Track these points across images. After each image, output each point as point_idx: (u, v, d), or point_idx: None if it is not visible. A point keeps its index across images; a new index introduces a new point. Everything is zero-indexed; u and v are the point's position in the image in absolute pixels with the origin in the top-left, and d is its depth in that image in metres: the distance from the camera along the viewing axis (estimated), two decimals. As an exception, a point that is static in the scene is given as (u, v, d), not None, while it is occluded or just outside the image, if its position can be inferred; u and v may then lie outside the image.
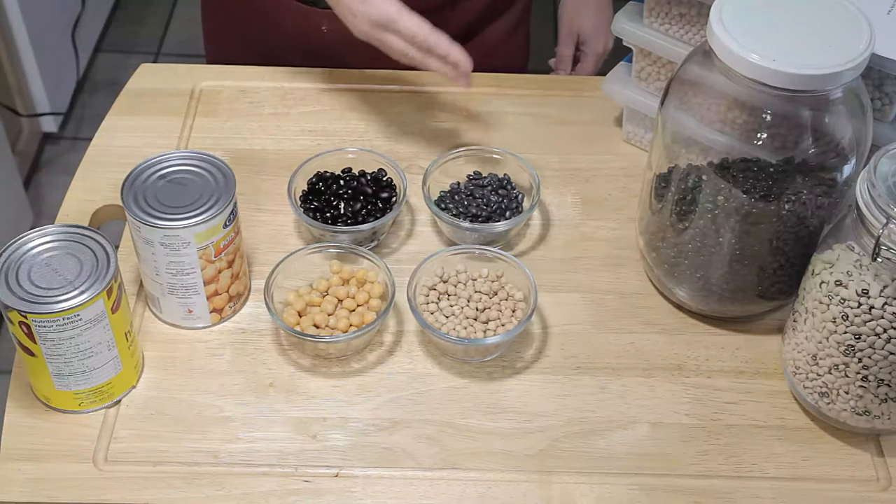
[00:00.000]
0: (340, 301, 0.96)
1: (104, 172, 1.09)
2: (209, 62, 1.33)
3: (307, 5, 1.20)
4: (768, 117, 0.86)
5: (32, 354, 0.85)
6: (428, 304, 0.95)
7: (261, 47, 1.27)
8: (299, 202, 1.03)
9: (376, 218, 1.01)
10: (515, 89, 1.20)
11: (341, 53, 1.21)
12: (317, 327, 0.94)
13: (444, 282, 0.96)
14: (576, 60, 1.38)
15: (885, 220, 0.77)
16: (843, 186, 0.88)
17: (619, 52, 1.13)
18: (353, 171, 1.05)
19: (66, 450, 0.87)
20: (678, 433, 0.90)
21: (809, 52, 0.82)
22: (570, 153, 1.13)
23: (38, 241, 0.86)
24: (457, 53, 1.01)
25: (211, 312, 0.95)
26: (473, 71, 1.05)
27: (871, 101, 0.91)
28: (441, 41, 1.00)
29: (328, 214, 1.01)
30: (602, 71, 1.13)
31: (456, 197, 1.04)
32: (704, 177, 0.88)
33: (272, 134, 1.14)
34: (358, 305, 0.95)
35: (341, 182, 1.04)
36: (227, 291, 0.95)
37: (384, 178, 1.04)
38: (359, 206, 1.01)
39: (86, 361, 0.86)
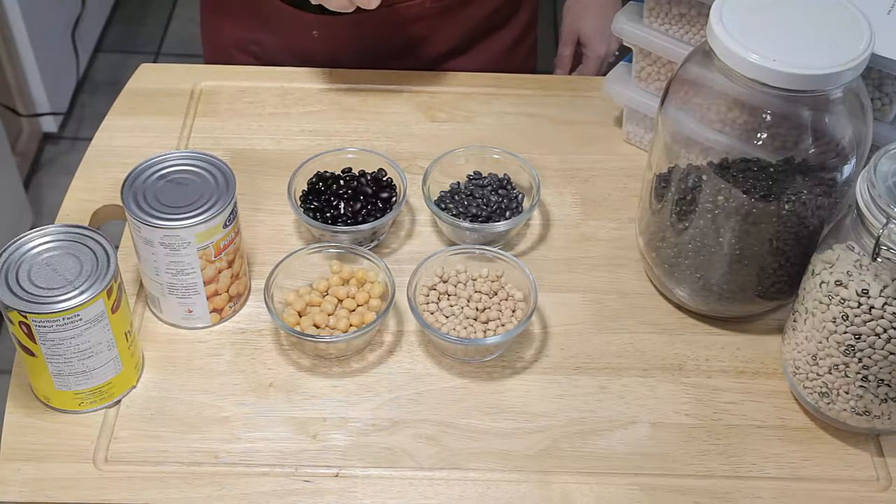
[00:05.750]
0: (340, 301, 0.96)
1: (104, 172, 1.09)
2: (206, 62, 1.33)
3: (296, 8, 1.19)
4: (768, 117, 0.86)
5: (32, 354, 0.85)
6: (428, 304, 0.95)
7: (256, 50, 1.27)
8: (299, 202, 1.03)
9: (376, 218, 1.01)
10: (515, 89, 1.20)
11: (332, 58, 1.21)
12: (317, 327, 0.94)
13: (444, 282, 0.96)
14: (579, 61, 1.38)
15: (885, 220, 0.77)
16: (843, 186, 0.88)
17: (619, 52, 1.13)
18: (353, 171, 1.05)
19: (66, 450, 0.87)
20: (678, 433, 0.90)
21: (809, 52, 0.82)
22: (570, 153, 1.13)
23: (38, 241, 0.86)
24: None
25: (211, 312, 0.95)
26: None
27: (871, 101, 0.91)
28: None
29: (328, 214, 1.01)
30: (602, 71, 1.13)
31: (456, 197, 1.04)
32: (704, 177, 0.88)
33: (272, 134, 1.14)
34: (358, 305, 0.95)
35: (341, 182, 1.04)
36: (227, 291, 0.95)
37: (384, 178, 1.04)
38: (359, 206, 1.01)
39: (86, 361, 0.86)
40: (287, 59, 1.23)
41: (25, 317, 0.82)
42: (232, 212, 0.91)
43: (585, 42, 1.35)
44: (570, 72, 1.38)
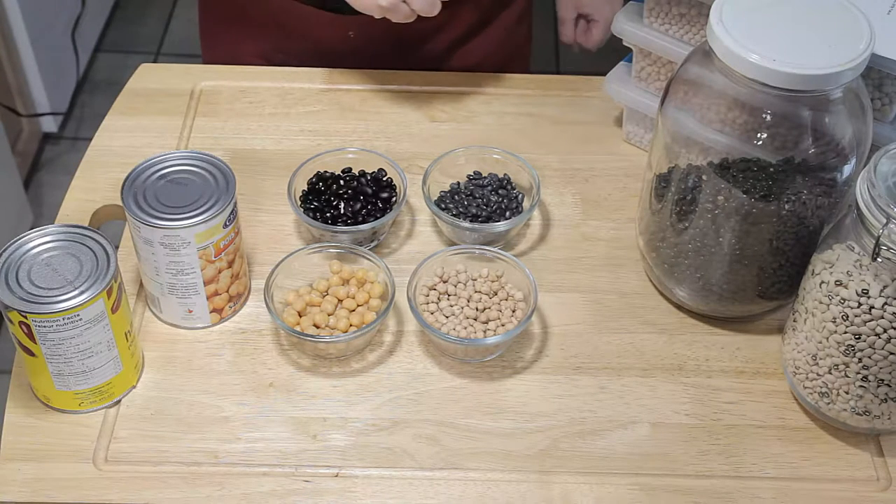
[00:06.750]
0: (340, 301, 0.96)
1: (104, 172, 1.09)
2: (205, 62, 1.33)
3: (333, 13, 1.19)
4: (768, 117, 0.86)
5: (32, 354, 0.85)
6: (428, 304, 0.95)
7: (283, 59, 1.25)
8: (299, 202, 1.03)
9: (376, 218, 1.01)
10: (515, 89, 1.20)
11: (368, 57, 1.21)
12: (317, 327, 0.94)
13: (444, 282, 0.96)
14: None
15: (885, 220, 0.77)
16: (843, 186, 0.88)
17: (619, 52, 1.13)
18: (353, 171, 1.05)
19: (66, 450, 0.87)
20: (678, 433, 0.90)
21: (809, 52, 0.82)
22: (570, 153, 1.13)
23: (38, 241, 0.86)
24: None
25: (211, 312, 0.95)
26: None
27: (871, 101, 0.91)
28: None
29: (328, 214, 1.01)
30: (602, 71, 1.13)
31: (456, 197, 1.04)
32: (704, 177, 0.88)
33: (272, 134, 1.14)
34: (358, 305, 0.95)
35: (341, 182, 1.04)
36: (227, 291, 0.95)
37: (384, 178, 1.04)
38: (359, 206, 1.01)
39: (86, 361, 0.86)
40: (318, 62, 1.22)
41: (25, 317, 0.82)
42: (232, 212, 0.91)
43: (588, 10, 1.34)
44: (574, 44, 1.38)
